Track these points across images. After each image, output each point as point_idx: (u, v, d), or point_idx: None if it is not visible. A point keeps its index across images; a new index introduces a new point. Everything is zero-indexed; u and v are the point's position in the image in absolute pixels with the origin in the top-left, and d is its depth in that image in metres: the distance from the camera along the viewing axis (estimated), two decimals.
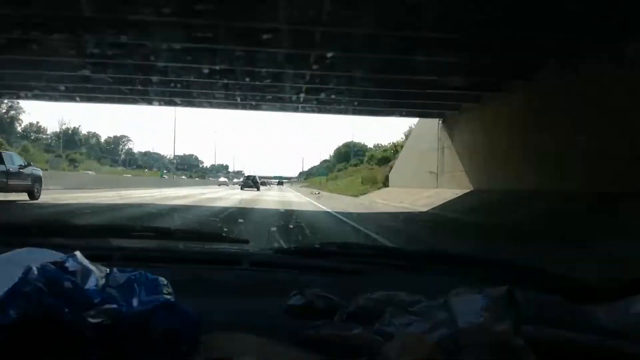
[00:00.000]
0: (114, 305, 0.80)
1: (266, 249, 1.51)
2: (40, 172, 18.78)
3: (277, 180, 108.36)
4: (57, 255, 1.03)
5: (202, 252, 1.41)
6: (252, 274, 1.30)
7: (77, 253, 0.99)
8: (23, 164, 17.36)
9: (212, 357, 0.81)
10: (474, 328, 0.87)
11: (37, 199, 17.38)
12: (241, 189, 44.56)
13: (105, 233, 1.63)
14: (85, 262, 0.96)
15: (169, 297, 1.00)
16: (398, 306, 1.01)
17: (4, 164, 15.91)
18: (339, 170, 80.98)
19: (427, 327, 0.91)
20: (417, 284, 1.28)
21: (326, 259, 1.43)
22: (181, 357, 0.84)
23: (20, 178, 16.75)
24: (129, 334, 0.78)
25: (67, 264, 0.91)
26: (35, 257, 1.07)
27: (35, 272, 0.81)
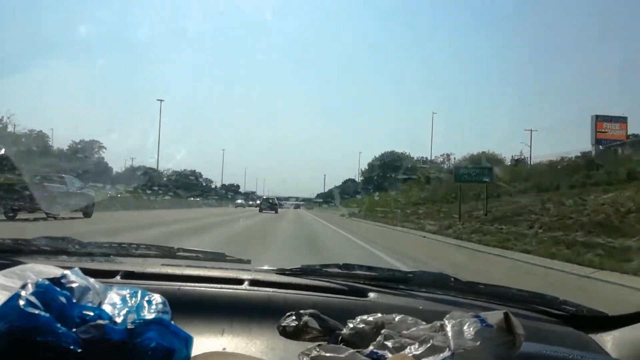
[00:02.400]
0: (106, 322, 0.80)
1: (268, 269, 1.51)
2: (93, 194, 21.35)
3: (294, 204, 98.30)
4: (59, 271, 1.05)
5: (203, 270, 1.42)
6: (252, 294, 1.30)
7: (76, 269, 1.00)
8: (80, 186, 19.91)
9: None
10: (468, 353, 0.86)
11: (90, 216, 19.12)
12: (259, 211, 42.30)
13: (110, 251, 1.65)
14: (83, 278, 0.97)
15: (164, 315, 1.01)
16: (393, 329, 1.00)
17: (67, 186, 18.27)
18: (379, 189, 66.39)
19: (420, 350, 0.90)
20: (416, 307, 1.27)
21: (328, 280, 1.42)
22: None
23: (78, 198, 18.78)
24: (119, 350, 0.78)
25: (63, 280, 0.92)
26: (38, 272, 1.08)
27: (30, 288, 0.82)
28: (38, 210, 16.08)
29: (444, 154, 78.71)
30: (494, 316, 0.93)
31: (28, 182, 16.90)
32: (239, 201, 73.90)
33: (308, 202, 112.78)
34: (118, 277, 1.35)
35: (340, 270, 1.50)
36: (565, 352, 0.98)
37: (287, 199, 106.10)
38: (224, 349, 1.04)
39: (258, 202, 54.23)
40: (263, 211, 40.88)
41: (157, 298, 1.06)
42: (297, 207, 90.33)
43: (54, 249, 1.56)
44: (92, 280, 1.01)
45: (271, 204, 44.56)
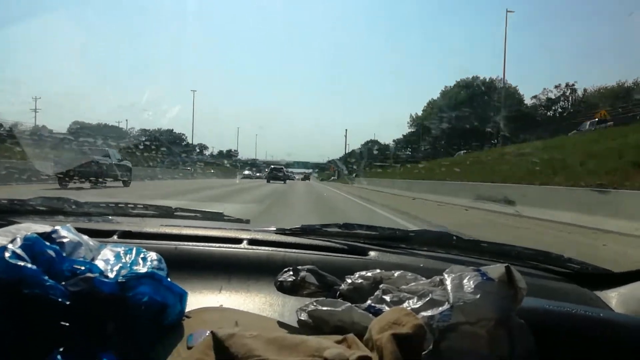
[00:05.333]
0: (96, 275, 0.78)
1: (267, 229, 1.49)
2: (130, 165, 23.37)
3: (303, 174, 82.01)
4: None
5: (202, 230, 1.40)
6: (251, 253, 1.28)
7: (68, 226, 0.99)
8: (120, 158, 22.19)
9: (193, 331, 0.79)
10: (467, 306, 0.84)
11: (128, 186, 21.46)
12: (267, 181, 38.92)
13: (107, 211, 1.64)
14: (75, 234, 0.95)
15: (159, 272, 0.99)
16: (392, 284, 0.98)
17: (110, 158, 20.68)
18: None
19: (419, 304, 0.88)
20: (417, 265, 1.25)
21: (328, 239, 1.41)
22: (163, 328, 0.83)
23: (119, 169, 21.12)
24: (109, 304, 0.76)
25: (53, 235, 0.90)
26: (32, 231, 1.07)
27: (19, 242, 0.80)
28: (88, 180, 18.36)
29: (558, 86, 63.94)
30: (495, 270, 0.90)
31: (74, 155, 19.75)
32: (247, 172, 69.19)
33: (318, 171, 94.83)
34: (115, 237, 1.33)
35: (340, 230, 1.48)
36: (569, 307, 0.96)
37: (292, 165, 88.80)
38: (221, 305, 1.03)
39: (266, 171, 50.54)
40: (270, 182, 38.02)
41: (152, 255, 1.04)
42: (305, 178, 74.87)
43: (51, 209, 1.54)
44: (85, 237, 0.99)
45: (279, 174, 41.74)
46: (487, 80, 71.03)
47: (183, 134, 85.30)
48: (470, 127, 62.51)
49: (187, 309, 0.94)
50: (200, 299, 1.05)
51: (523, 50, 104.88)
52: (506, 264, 0.90)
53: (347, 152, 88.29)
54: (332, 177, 75.18)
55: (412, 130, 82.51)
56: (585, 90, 64.13)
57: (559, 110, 66.20)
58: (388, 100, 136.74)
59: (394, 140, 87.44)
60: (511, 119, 53.48)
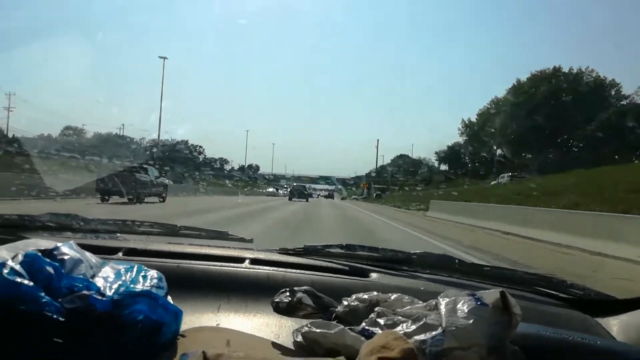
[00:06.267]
0: (92, 292, 0.80)
1: (270, 249, 1.50)
2: (166, 182, 25.20)
3: (326, 192, 75.08)
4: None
5: (205, 249, 1.42)
6: (252, 272, 1.29)
7: (71, 242, 1.01)
8: (158, 175, 23.69)
9: (186, 350, 0.80)
10: (460, 331, 0.84)
11: (164, 201, 22.93)
12: (289, 199, 38.11)
13: (114, 228, 1.67)
14: (76, 251, 0.98)
15: (158, 290, 1.01)
16: (388, 307, 0.98)
17: (149, 175, 22.13)
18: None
19: (412, 328, 0.88)
20: (417, 287, 1.25)
21: (329, 260, 1.41)
22: (157, 347, 0.84)
23: (157, 186, 22.85)
24: (104, 321, 0.78)
25: (55, 252, 0.92)
26: (39, 247, 1.09)
27: (20, 258, 0.83)
28: (127, 197, 19.43)
29: None
30: (490, 295, 0.90)
31: (115, 172, 21.01)
32: (270, 189, 67.69)
33: (344, 188, 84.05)
34: (120, 254, 1.35)
35: (342, 251, 1.48)
36: (565, 334, 0.94)
37: (315, 180, 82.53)
38: (218, 324, 1.04)
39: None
40: (293, 199, 37.10)
41: (152, 273, 1.06)
42: (329, 196, 67.03)
43: (59, 225, 1.58)
44: (88, 254, 1.01)
45: (302, 192, 40.77)
46: (574, 71, 53.85)
47: (200, 146, 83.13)
48: (554, 132, 49.17)
49: (185, 328, 0.95)
50: (198, 317, 1.06)
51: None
52: (501, 289, 0.89)
53: (378, 166, 76.00)
54: (361, 196, 66.38)
55: (465, 138, 66.70)
56: None
57: None
58: (425, 108, 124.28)
59: (436, 153, 73.01)
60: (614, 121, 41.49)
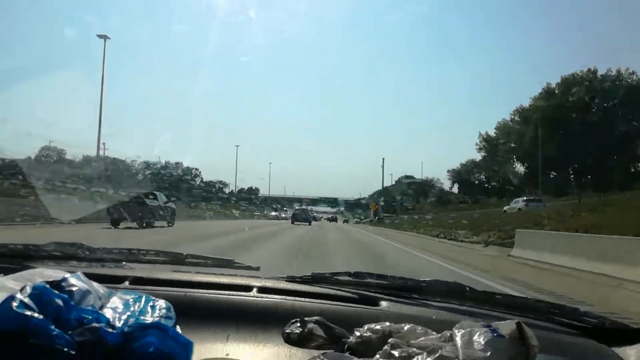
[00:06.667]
0: (102, 325, 0.79)
1: (277, 277, 1.48)
2: (174, 206, 25.57)
3: (329, 214, 73.96)
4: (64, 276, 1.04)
5: (212, 277, 1.40)
6: (260, 301, 1.27)
7: (78, 273, 1.00)
8: (166, 201, 24.40)
9: None
10: None
11: (172, 225, 23.55)
12: (292, 222, 37.88)
13: (120, 257, 1.65)
14: (84, 282, 0.96)
15: (167, 320, 0.99)
16: (401, 338, 0.96)
17: (158, 201, 22.86)
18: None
19: None
20: (429, 316, 1.23)
21: (338, 288, 1.39)
22: None
23: (166, 211, 23.47)
24: (115, 354, 0.76)
25: (63, 283, 0.91)
26: (45, 277, 1.08)
27: (28, 290, 0.81)
28: (137, 221, 20.33)
29: None
30: (506, 326, 0.88)
31: (123, 198, 22.19)
32: (274, 213, 65.91)
33: (345, 209, 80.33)
34: (126, 283, 1.34)
35: (351, 279, 1.46)
36: None
37: (318, 202, 79.19)
38: (227, 354, 1.02)
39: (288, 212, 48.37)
40: (295, 223, 37.03)
41: (161, 303, 1.04)
42: (332, 219, 65.55)
43: (64, 255, 1.57)
44: (95, 284, 1.00)
45: (304, 216, 40.89)
46: (613, 74, 47.78)
47: (196, 169, 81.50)
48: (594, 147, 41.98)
49: (194, 359, 0.93)
50: (207, 347, 1.04)
51: None
52: (517, 321, 0.88)
53: (383, 186, 68.91)
54: (368, 219, 61.46)
55: (484, 154, 60.30)
56: None
57: None
58: (435, 126, 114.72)
59: (448, 171, 68.29)
60: None
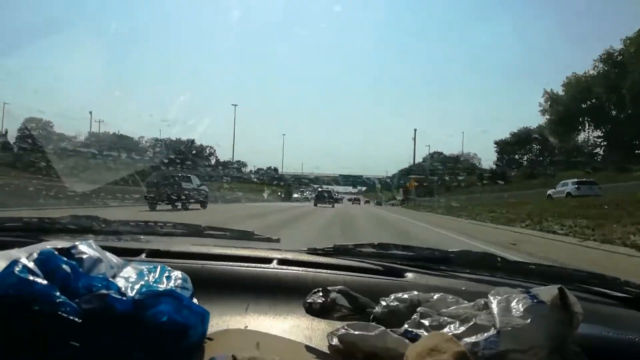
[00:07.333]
0: (112, 292, 0.74)
1: (298, 249, 1.43)
2: (207, 189, 25.95)
3: (351, 195, 70.39)
4: None
5: (231, 249, 1.36)
6: (280, 273, 1.22)
7: (90, 241, 0.95)
8: (200, 183, 24.77)
9: (214, 354, 0.73)
10: (517, 331, 0.75)
11: (205, 208, 23.55)
12: (314, 205, 36.21)
13: (137, 230, 1.62)
14: (96, 250, 0.92)
15: (184, 291, 0.94)
16: (431, 307, 0.90)
17: (192, 183, 23.26)
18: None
19: (461, 329, 0.79)
20: (458, 287, 1.16)
21: (361, 260, 1.33)
22: (183, 351, 0.77)
23: (199, 193, 23.81)
24: (124, 323, 0.71)
25: (72, 251, 0.87)
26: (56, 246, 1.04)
27: (35, 256, 0.77)
28: (173, 204, 20.63)
29: None
30: (547, 292, 0.81)
31: (162, 179, 22.33)
32: (296, 195, 63.28)
33: (378, 188, 72.86)
34: (143, 256, 1.30)
35: (375, 250, 1.40)
36: (630, 335, 0.85)
37: (341, 180, 73.62)
38: (246, 326, 0.97)
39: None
40: (318, 205, 35.57)
41: (177, 274, 0.99)
42: (355, 200, 61.53)
43: (80, 227, 1.53)
44: (108, 254, 0.95)
45: (327, 198, 39.06)
46: None
47: (210, 147, 78.93)
48: None
49: (211, 330, 0.88)
50: (225, 320, 0.99)
51: None
52: (559, 286, 0.80)
53: (414, 162, 61.62)
54: (398, 199, 55.61)
55: (552, 117, 47.65)
56: None
57: None
58: (473, 90, 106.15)
59: (495, 142, 59.86)
60: None
